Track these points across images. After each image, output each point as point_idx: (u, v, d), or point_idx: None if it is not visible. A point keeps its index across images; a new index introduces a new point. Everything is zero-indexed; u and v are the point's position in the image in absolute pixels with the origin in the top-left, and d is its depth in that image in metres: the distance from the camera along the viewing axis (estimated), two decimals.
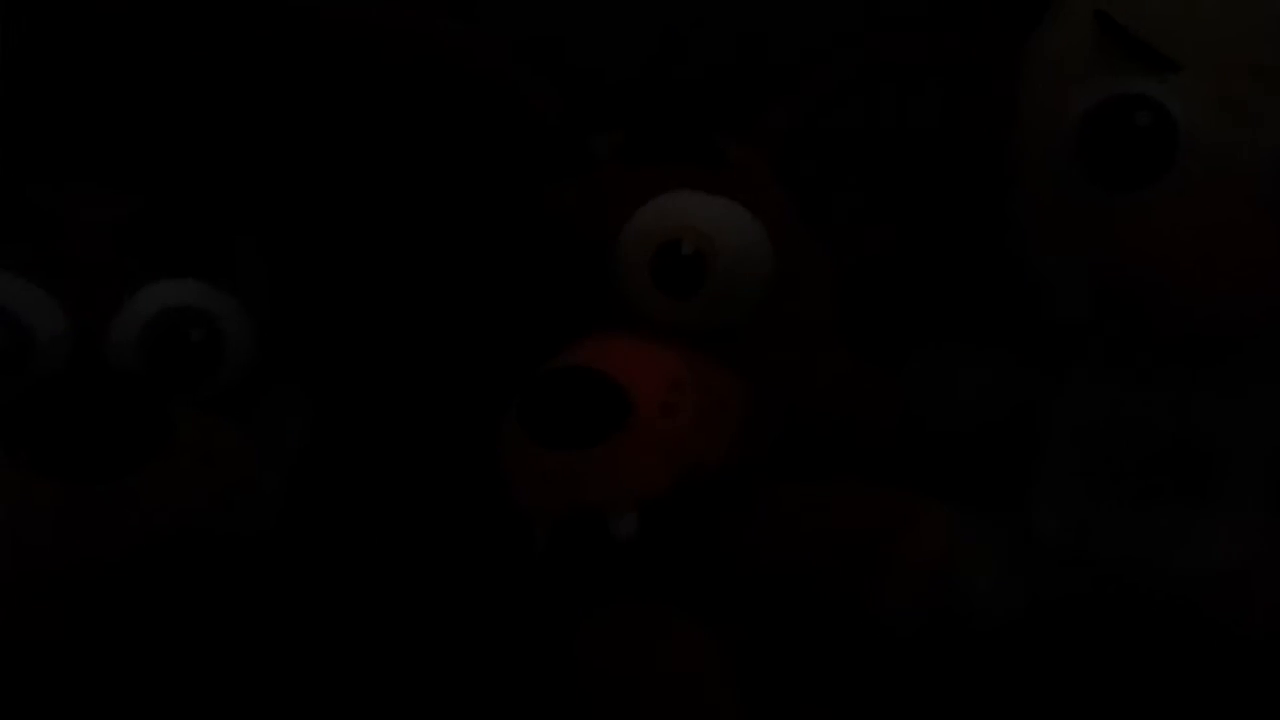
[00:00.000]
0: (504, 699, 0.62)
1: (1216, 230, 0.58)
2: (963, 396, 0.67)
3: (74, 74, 0.69)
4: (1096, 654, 0.62)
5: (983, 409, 0.66)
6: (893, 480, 0.62)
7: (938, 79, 0.66)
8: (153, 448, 0.57)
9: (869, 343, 0.66)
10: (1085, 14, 0.61)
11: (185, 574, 0.60)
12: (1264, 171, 0.59)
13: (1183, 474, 0.62)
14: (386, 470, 0.68)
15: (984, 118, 0.65)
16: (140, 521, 0.56)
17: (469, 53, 0.64)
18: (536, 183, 0.63)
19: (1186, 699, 0.61)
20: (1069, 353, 0.64)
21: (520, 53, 0.65)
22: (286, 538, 0.64)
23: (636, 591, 0.60)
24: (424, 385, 0.66)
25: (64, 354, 0.59)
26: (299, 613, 0.64)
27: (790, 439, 0.62)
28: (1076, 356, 0.64)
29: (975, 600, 0.61)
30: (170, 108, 0.67)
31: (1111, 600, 0.62)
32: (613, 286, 0.61)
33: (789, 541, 0.61)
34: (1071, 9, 0.62)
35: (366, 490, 0.67)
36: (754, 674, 0.60)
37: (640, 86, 0.71)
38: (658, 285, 0.60)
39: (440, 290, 0.64)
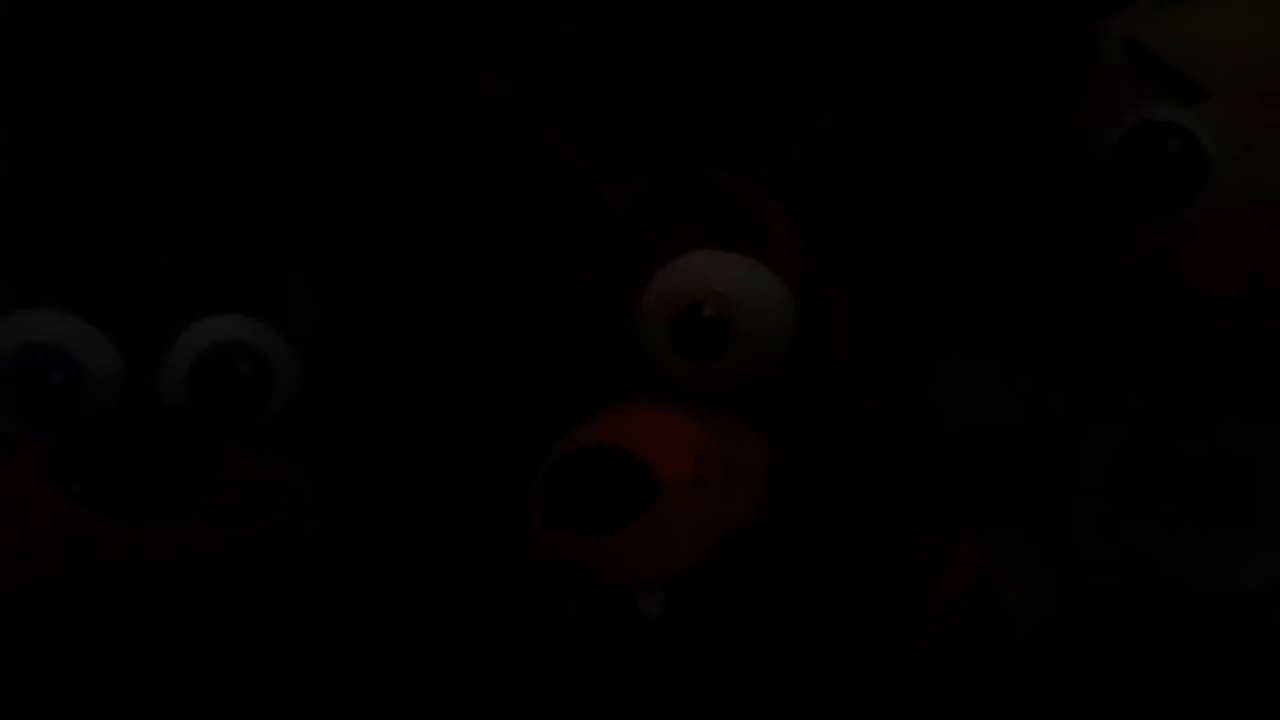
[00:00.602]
0: None
1: (1244, 254, 0.59)
2: (996, 415, 0.66)
3: (126, 119, 0.70)
4: (1137, 671, 0.62)
5: (1016, 428, 0.66)
6: (925, 506, 0.63)
7: (974, 84, 0.65)
8: (199, 482, 0.58)
9: (891, 360, 0.66)
10: (1118, 40, 0.63)
11: (230, 600, 0.61)
12: None
13: (1218, 494, 0.62)
14: (417, 506, 0.68)
15: (1027, 123, 0.65)
16: (186, 555, 0.58)
17: (505, 111, 0.64)
18: (553, 241, 0.63)
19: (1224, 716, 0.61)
20: (1102, 371, 0.64)
21: (554, 109, 0.65)
22: (322, 568, 0.64)
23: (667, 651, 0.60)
24: (453, 432, 0.66)
25: (117, 392, 0.60)
26: (330, 648, 0.64)
27: (817, 484, 0.62)
28: (1109, 375, 0.64)
29: (1013, 627, 0.62)
30: (219, 152, 0.68)
31: (1152, 618, 0.62)
32: (633, 350, 0.61)
33: (820, 582, 0.61)
34: (1108, 38, 0.63)
35: (398, 526, 0.67)
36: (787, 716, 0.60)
37: (653, 126, 0.70)
38: (679, 349, 0.60)
39: (461, 346, 0.64)
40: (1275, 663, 0.61)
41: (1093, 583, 0.63)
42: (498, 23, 0.73)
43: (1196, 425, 0.62)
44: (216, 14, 0.70)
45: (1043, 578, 0.63)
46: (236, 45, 0.70)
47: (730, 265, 0.60)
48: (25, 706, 0.60)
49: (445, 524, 0.66)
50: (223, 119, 0.68)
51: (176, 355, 0.61)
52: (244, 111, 0.68)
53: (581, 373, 0.61)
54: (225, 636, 0.61)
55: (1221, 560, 0.61)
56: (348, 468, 0.66)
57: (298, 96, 0.66)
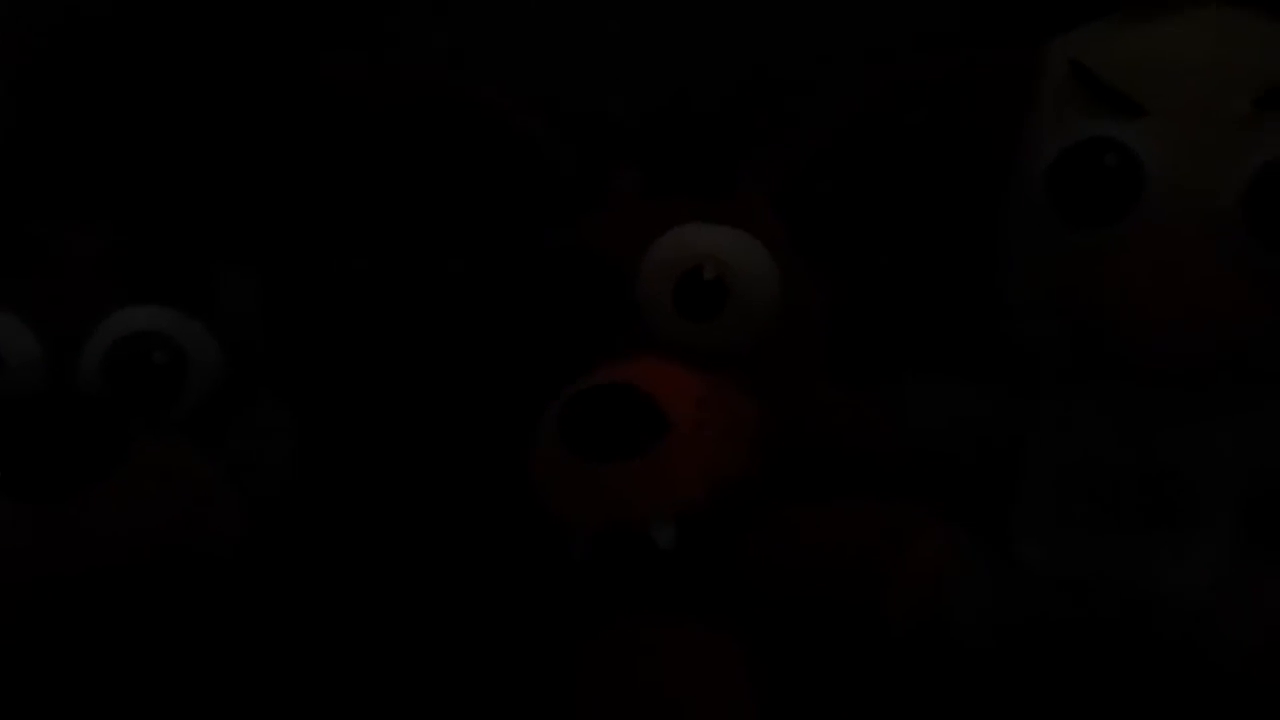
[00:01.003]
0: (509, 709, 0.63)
1: (1176, 269, 0.61)
2: (941, 426, 0.69)
3: (64, 110, 0.71)
4: (1080, 677, 0.63)
5: (960, 438, 0.68)
6: (895, 493, 0.65)
7: (939, 101, 0.68)
8: (105, 466, 0.57)
9: (847, 372, 0.69)
10: (1063, 60, 0.65)
11: (160, 593, 0.60)
12: (1226, 213, 0.62)
13: (1154, 502, 0.63)
14: (377, 491, 0.70)
15: (976, 144, 0.67)
16: (93, 539, 0.57)
17: (479, 104, 0.67)
18: (561, 218, 0.66)
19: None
20: (1043, 383, 0.66)
21: (530, 102, 0.68)
22: (274, 554, 0.65)
23: (657, 604, 0.63)
24: (423, 406, 0.69)
25: (38, 379, 0.61)
26: (290, 629, 0.65)
27: (794, 464, 0.65)
28: (1050, 387, 0.66)
29: (967, 613, 0.63)
30: (158, 141, 0.69)
31: (1093, 625, 0.63)
32: (635, 313, 0.64)
33: (800, 554, 0.64)
34: (1054, 57, 0.66)
35: (355, 511, 0.69)
36: (769, 681, 0.62)
37: (652, 126, 0.74)
38: (679, 310, 0.64)
39: (458, 318, 0.67)
40: (1217, 664, 0.62)
41: (1034, 589, 0.64)
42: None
43: (1133, 434, 0.63)
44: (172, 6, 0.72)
45: (982, 577, 0.64)
46: (198, 38, 0.71)
47: (725, 234, 0.65)
48: None
49: (407, 495, 0.68)
50: (170, 112, 0.69)
51: (95, 343, 0.61)
52: (193, 105, 0.69)
53: (588, 336, 0.64)
54: (148, 627, 0.61)
55: (1155, 567, 0.63)
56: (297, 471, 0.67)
57: (266, 91, 0.68)
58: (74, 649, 0.60)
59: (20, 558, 0.57)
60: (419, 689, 0.65)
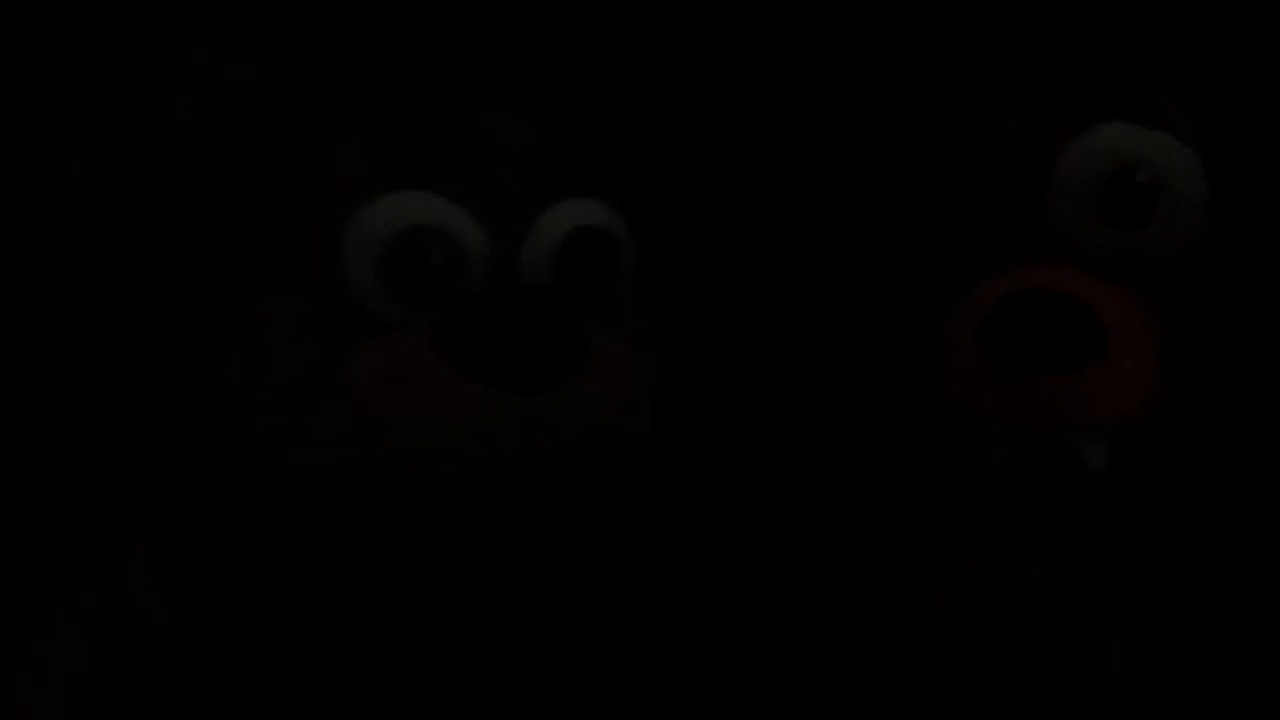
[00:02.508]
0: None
1: None
2: None
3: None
4: None
5: None
6: None
7: None
8: (578, 362, 0.58)
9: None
10: None
11: (592, 484, 0.61)
12: None
13: None
14: (746, 395, 0.67)
15: None
16: (568, 432, 0.57)
17: None
18: (971, 105, 0.61)
19: None
20: None
21: None
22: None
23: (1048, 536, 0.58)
24: (796, 305, 0.65)
25: (485, 274, 0.60)
26: (671, 532, 0.64)
27: (1199, 391, 0.60)
28: None
29: None
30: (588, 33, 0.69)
31: None
32: (1043, 213, 0.59)
33: (1203, 491, 0.59)
34: None
35: (720, 417, 0.67)
36: (1151, 629, 0.58)
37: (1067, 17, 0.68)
38: (1103, 213, 0.58)
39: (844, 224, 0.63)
40: None
41: None
42: None
43: None
44: None
45: None
46: None
47: (1159, 138, 0.59)
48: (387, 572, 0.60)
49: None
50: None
51: (538, 237, 0.60)
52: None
53: (987, 234, 0.59)
54: (579, 515, 0.61)
55: None
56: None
57: None
58: (525, 533, 0.61)
59: (508, 446, 0.57)
60: (782, 600, 0.62)
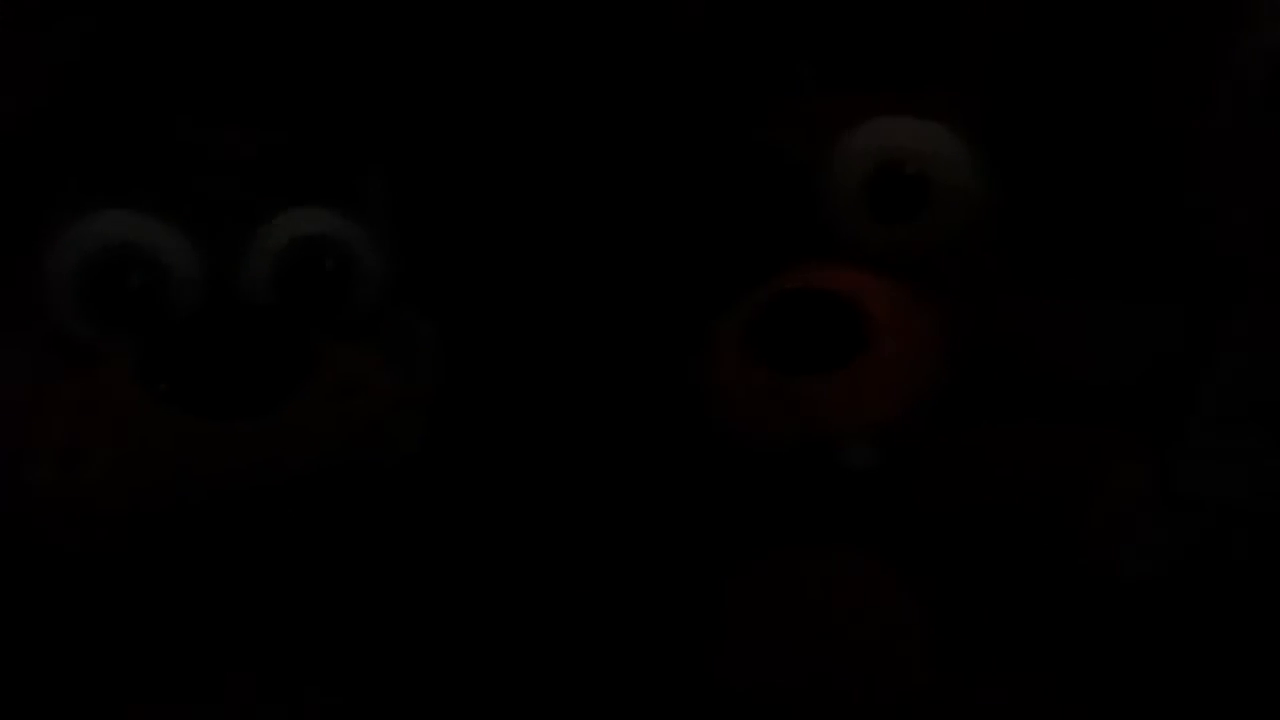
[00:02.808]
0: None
1: None
2: (1110, 346, 0.64)
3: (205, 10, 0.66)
4: (1243, 609, 0.60)
5: (1129, 361, 0.64)
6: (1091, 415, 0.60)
7: None
8: (296, 381, 0.54)
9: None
10: None
11: (335, 504, 0.57)
12: None
13: None
14: (529, 400, 0.65)
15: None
16: (287, 456, 0.54)
17: None
18: (740, 111, 0.61)
19: None
20: (1225, 299, 0.62)
21: None
22: (429, 469, 0.61)
23: (832, 529, 0.58)
24: (578, 315, 0.64)
25: (199, 292, 0.57)
26: (452, 541, 0.62)
27: (978, 380, 0.60)
28: (1234, 303, 0.62)
29: (1145, 544, 0.59)
30: (308, 38, 0.65)
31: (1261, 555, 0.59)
32: (818, 213, 0.59)
33: (993, 473, 0.58)
34: None
35: (502, 424, 0.65)
36: (944, 624, 0.58)
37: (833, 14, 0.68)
38: (873, 209, 0.58)
39: (619, 223, 0.62)
40: None
41: (1201, 520, 0.60)
42: None
43: None
44: None
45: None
46: None
47: (925, 128, 0.59)
48: (107, 611, 0.57)
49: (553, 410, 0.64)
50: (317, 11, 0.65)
51: (258, 251, 0.57)
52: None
53: (769, 239, 0.59)
54: (322, 537, 0.58)
55: None
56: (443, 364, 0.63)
57: None
58: (252, 560, 0.57)
59: (213, 474, 0.54)
60: (570, 606, 0.61)
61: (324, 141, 0.61)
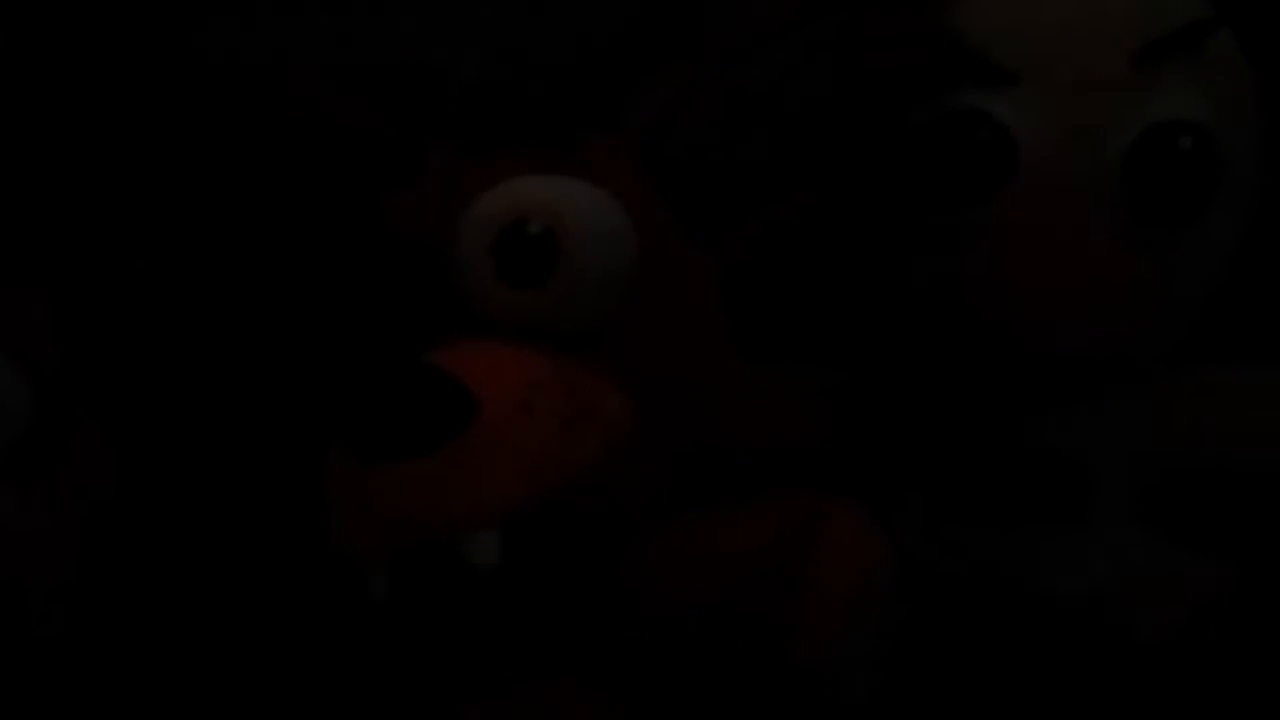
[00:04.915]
0: None
1: (1052, 254, 0.57)
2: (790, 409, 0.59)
3: None
4: (978, 673, 0.58)
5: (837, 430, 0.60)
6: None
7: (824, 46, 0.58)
8: None
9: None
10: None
11: None
12: (1106, 187, 0.57)
13: (1051, 492, 0.59)
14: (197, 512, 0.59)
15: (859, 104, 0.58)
16: None
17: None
18: (370, 194, 0.55)
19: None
20: (929, 368, 0.61)
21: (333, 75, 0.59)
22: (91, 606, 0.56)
23: (517, 659, 0.50)
24: (237, 419, 0.58)
25: None
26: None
27: (694, 464, 0.53)
28: (944, 375, 0.61)
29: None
30: None
31: (993, 620, 0.59)
32: (456, 292, 0.52)
33: (671, 584, 0.50)
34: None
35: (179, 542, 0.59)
36: None
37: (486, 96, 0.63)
38: (501, 275, 0.51)
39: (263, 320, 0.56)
40: (1106, 664, 0.58)
41: (927, 585, 0.57)
42: None
43: (1032, 424, 0.59)
44: None
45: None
46: None
47: (558, 183, 0.52)
48: None
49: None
50: None
51: None
52: None
53: (405, 322, 0.52)
54: None
55: (1061, 561, 0.59)
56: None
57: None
58: None
59: None
60: None
61: None
